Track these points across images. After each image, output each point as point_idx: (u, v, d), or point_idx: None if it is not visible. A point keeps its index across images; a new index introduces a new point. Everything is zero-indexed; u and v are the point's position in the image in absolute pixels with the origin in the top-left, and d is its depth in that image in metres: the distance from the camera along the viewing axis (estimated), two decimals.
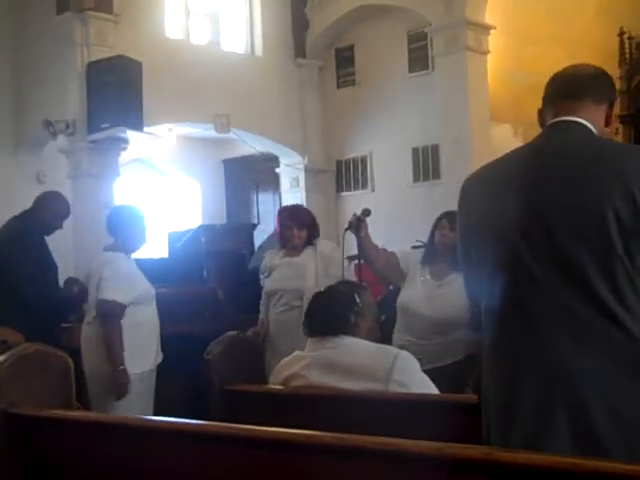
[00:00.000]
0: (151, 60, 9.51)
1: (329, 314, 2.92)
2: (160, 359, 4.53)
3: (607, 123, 2.07)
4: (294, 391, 2.84)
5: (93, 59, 9.20)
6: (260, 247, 7.65)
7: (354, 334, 2.87)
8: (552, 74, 2.14)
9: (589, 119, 1.99)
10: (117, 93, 8.92)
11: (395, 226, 9.66)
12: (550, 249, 1.87)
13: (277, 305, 4.83)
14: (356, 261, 6.55)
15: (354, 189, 11.43)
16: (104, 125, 9.09)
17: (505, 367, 1.95)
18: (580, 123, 1.98)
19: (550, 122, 2.03)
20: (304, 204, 11.23)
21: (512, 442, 1.86)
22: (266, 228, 9.83)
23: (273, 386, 3.00)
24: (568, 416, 1.80)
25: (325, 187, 11.75)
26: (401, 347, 3.72)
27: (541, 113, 2.11)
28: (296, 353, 3.02)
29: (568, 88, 2.04)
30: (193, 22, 11.14)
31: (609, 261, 1.81)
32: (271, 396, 2.94)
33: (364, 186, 11.37)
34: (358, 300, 2.93)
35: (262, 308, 5.11)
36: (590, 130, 1.99)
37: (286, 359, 3.04)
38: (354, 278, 5.10)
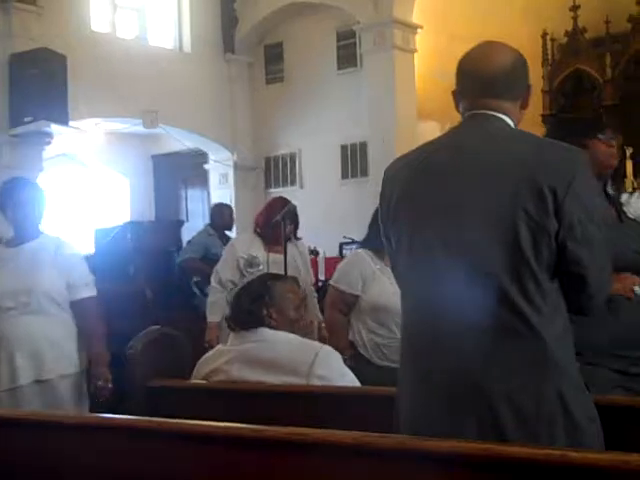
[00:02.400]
0: (77, 54, 9.36)
1: (242, 308, 2.93)
2: None
3: (523, 107, 2.05)
4: (214, 386, 2.84)
5: (16, 51, 9.00)
6: (189, 242, 7.61)
7: (272, 327, 2.88)
8: (468, 57, 2.04)
9: (505, 112, 1.99)
10: (41, 86, 8.76)
11: (325, 222, 9.71)
12: (459, 243, 1.88)
13: None
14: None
15: (283, 186, 11.43)
16: (27, 119, 8.91)
17: (416, 363, 1.97)
18: (497, 117, 1.98)
19: (467, 114, 2.02)
20: (232, 201, 11.24)
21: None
22: (194, 224, 9.77)
23: (195, 381, 2.99)
24: (476, 417, 1.83)
25: (254, 184, 11.74)
26: (380, 345, 3.77)
27: (455, 96, 2.07)
28: (218, 347, 3.03)
29: (482, 88, 1.98)
30: (120, 16, 10.99)
31: (517, 260, 1.82)
32: (192, 391, 2.93)
33: (293, 183, 11.39)
34: (267, 293, 2.93)
35: (215, 308, 5.00)
36: (507, 123, 1.99)
37: (208, 354, 3.04)
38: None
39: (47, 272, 3.70)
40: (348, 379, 2.81)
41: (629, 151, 9.16)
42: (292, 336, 2.88)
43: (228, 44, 11.62)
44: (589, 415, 1.86)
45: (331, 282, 4.08)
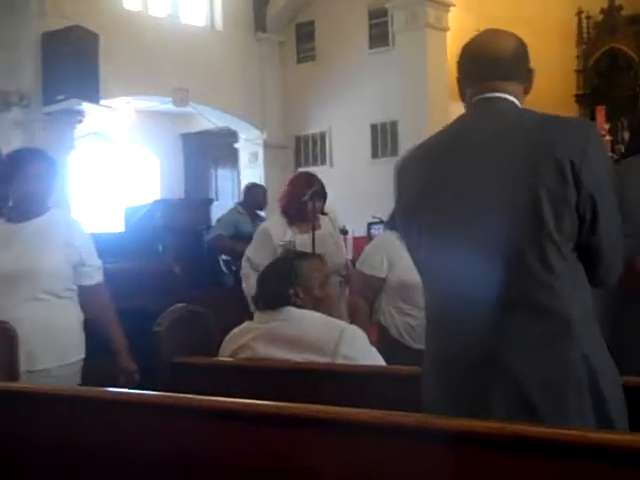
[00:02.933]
0: (108, 32, 9.38)
1: (268, 288, 2.92)
2: None
3: (526, 92, 2.08)
4: (241, 363, 2.84)
5: (48, 29, 9.04)
6: (219, 220, 7.61)
7: (298, 305, 2.87)
8: (471, 44, 2.07)
9: (512, 94, 2.01)
10: (73, 65, 8.80)
11: (354, 202, 9.69)
12: (483, 224, 1.89)
13: None
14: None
15: (313, 165, 11.41)
16: (59, 97, 8.96)
17: (440, 344, 1.98)
18: (506, 99, 1.99)
19: (476, 98, 2.02)
20: (262, 180, 11.24)
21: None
22: (224, 203, 9.79)
23: (222, 358, 2.99)
24: (502, 391, 1.82)
25: (284, 163, 11.73)
26: (414, 326, 3.72)
27: (460, 84, 2.09)
28: (245, 324, 3.02)
29: (490, 70, 2.00)
30: None
31: (540, 234, 1.82)
32: (218, 368, 2.93)
33: (323, 162, 11.37)
34: (293, 272, 2.92)
35: None
36: (515, 104, 2.00)
37: (235, 331, 3.03)
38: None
39: (55, 253, 3.34)
40: (374, 358, 2.80)
41: None
42: (318, 315, 2.87)
43: (259, 22, 11.59)
44: (615, 384, 1.86)
45: (356, 266, 4.00)
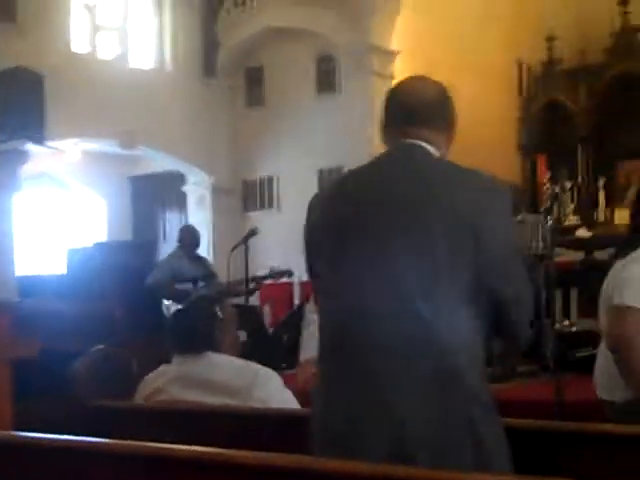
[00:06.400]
0: (56, 73, 9.37)
1: (192, 331, 2.91)
2: None
3: (449, 140, 2.11)
4: (153, 406, 2.83)
5: None
6: (157, 265, 7.60)
7: (217, 350, 2.87)
8: (395, 89, 2.11)
9: (430, 142, 2.03)
10: (17, 106, 8.76)
11: (301, 246, 9.68)
12: (381, 270, 1.91)
13: None
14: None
15: (260, 209, 11.45)
16: (3, 137, 8.89)
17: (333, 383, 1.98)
18: (421, 146, 2.01)
19: (393, 144, 2.05)
20: (210, 223, 11.26)
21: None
22: (172, 247, 9.74)
23: (137, 402, 2.97)
24: (388, 437, 1.84)
25: (232, 207, 11.74)
26: None
27: (384, 129, 2.11)
28: (161, 368, 3.01)
29: (410, 117, 2.03)
30: (100, 36, 11.03)
31: (436, 285, 1.85)
32: (133, 411, 2.91)
33: (270, 206, 11.41)
34: (220, 315, 2.93)
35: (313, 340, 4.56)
36: (431, 153, 2.02)
37: (151, 374, 3.02)
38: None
39: None
40: (288, 401, 2.80)
41: (602, 181, 9.26)
42: (233, 358, 2.88)
43: (209, 66, 11.68)
44: (499, 438, 1.87)
45: (628, 303, 3.00)
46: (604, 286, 3.14)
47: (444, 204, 1.87)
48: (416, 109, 2.03)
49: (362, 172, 2.09)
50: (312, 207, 2.14)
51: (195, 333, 2.89)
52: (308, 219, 2.12)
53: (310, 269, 2.15)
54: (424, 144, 2.02)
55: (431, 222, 1.87)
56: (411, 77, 2.14)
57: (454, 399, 1.83)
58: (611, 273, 3.13)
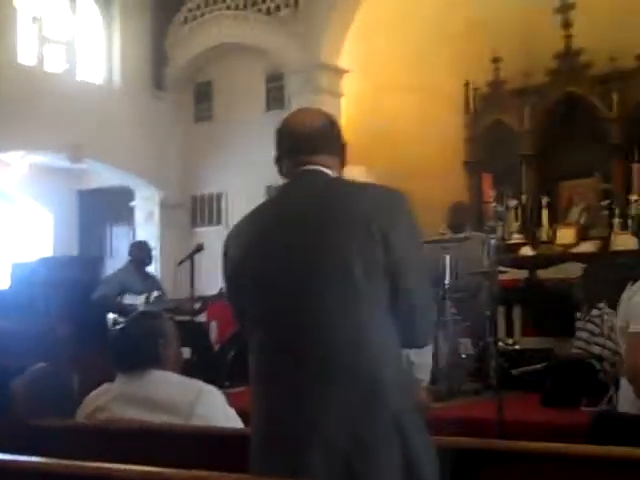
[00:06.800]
0: (2, 85, 9.28)
1: (134, 349, 2.90)
2: None
3: (342, 163, 2.20)
4: (95, 425, 2.81)
5: None
6: (104, 279, 7.54)
7: (160, 367, 2.87)
8: (285, 122, 2.20)
9: (325, 166, 2.12)
10: None
11: None
12: (305, 285, 1.97)
13: None
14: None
15: (209, 225, 11.42)
16: None
17: (266, 402, 2.02)
18: (318, 170, 2.11)
19: (293, 171, 2.14)
20: (158, 239, 11.18)
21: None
22: (119, 262, 9.67)
23: (79, 420, 2.95)
24: (323, 456, 1.87)
25: (180, 222, 11.69)
26: None
27: (279, 161, 2.20)
28: (104, 386, 2.99)
29: (303, 145, 2.12)
30: (48, 49, 10.93)
31: (352, 296, 1.92)
32: (73, 430, 2.89)
33: (219, 222, 11.38)
34: (165, 332, 2.93)
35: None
36: (328, 176, 2.11)
37: (94, 392, 3.01)
38: None
39: None
40: (230, 419, 2.81)
41: (545, 200, 9.43)
42: (176, 375, 2.87)
43: (158, 81, 11.65)
44: (427, 448, 1.92)
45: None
46: (619, 312, 3.21)
47: (350, 217, 1.97)
48: (307, 138, 2.13)
49: (270, 204, 2.22)
50: (228, 244, 2.18)
51: (137, 350, 2.88)
52: (225, 257, 2.16)
53: (234, 305, 2.18)
54: (320, 168, 2.12)
55: (342, 237, 1.95)
56: (298, 110, 2.28)
57: (379, 411, 1.88)
58: (626, 298, 3.20)
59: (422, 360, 4.79)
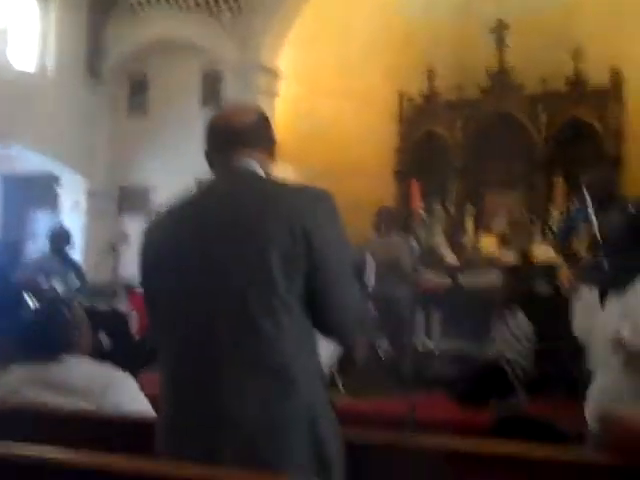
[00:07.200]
0: None
1: (46, 334, 2.87)
2: None
3: (272, 158, 2.20)
4: (5, 408, 2.77)
5: None
6: (25, 263, 7.43)
7: (75, 352, 2.86)
8: (216, 117, 2.20)
9: (255, 160, 2.12)
10: None
11: None
12: (225, 285, 1.97)
13: None
14: None
15: (136, 215, 11.32)
16: None
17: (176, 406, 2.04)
18: (247, 168, 2.10)
19: (219, 168, 2.14)
20: (85, 227, 11.07)
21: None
22: (41, 247, 9.51)
23: None
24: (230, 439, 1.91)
25: (106, 211, 11.58)
26: None
27: (208, 156, 2.19)
28: (17, 369, 2.96)
29: (231, 139, 2.12)
30: None
31: (271, 294, 1.92)
32: None
33: (146, 213, 11.29)
34: (75, 317, 2.92)
35: None
36: (255, 172, 2.11)
37: (7, 376, 2.97)
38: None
39: None
40: (142, 406, 2.81)
41: (471, 209, 9.64)
42: (89, 361, 2.86)
43: (92, 72, 11.51)
44: (332, 429, 1.97)
45: None
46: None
47: (273, 216, 1.96)
48: (238, 133, 2.13)
49: (194, 199, 2.14)
50: (145, 234, 2.16)
51: (49, 336, 2.86)
52: (143, 252, 2.13)
53: (148, 301, 2.16)
54: (249, 165, 2.11)
55: (263, 236, 1.94)
56: (231, 105, 2.32)
57: (293, 406, 1.91)
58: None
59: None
